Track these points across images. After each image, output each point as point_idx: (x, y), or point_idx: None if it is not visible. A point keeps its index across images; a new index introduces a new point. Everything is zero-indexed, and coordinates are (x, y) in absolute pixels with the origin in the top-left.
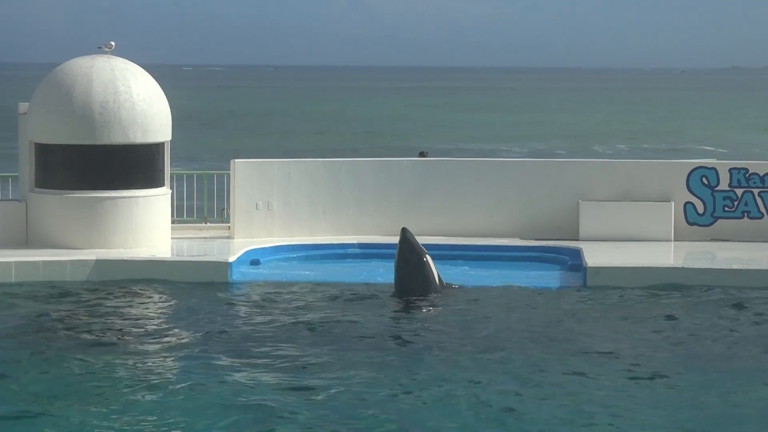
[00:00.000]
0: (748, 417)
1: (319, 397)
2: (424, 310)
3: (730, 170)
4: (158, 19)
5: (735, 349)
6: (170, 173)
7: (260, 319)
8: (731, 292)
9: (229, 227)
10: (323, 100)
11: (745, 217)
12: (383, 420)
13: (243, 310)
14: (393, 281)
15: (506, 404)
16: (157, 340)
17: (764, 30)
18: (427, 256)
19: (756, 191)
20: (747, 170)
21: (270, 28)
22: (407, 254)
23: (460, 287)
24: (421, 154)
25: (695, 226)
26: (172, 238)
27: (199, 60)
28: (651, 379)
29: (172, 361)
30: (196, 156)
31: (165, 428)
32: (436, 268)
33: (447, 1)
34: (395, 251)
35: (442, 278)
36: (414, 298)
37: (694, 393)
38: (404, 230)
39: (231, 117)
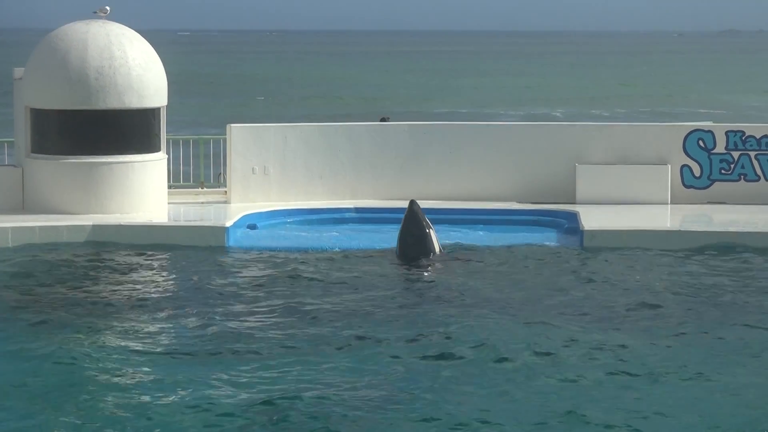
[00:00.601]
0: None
1: (323, 365)
2: (424, 275)
3: (726, 133)
4: None
5: (733, 311)
6: (166, 138)
7: (257, 283)
8: (728, 254)
9: (226, 192)
10: (321, 65)
11: (742, 180)
12: (388, 385)
13: (240, 275)
14: (393, 247)
15: (510, 365)
16: (154, 305)
17: None
18: (431, 229)
19: (752, 154)
20: (743, 133)
21: None
22: (412, 227)
23: (459, 253)
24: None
25: (692, 189)
26: (168, 203)
27: (195, 25)
28: (645, 342)
29: (168, 327)
30: (194, 121)
31: (161, 396)
32: (438, 240)
33: None
34: (400, 220)
35: (443, 249)
36: (413, 264)
37: (693, 353)
38: (412, 203)
39: (227, 84)
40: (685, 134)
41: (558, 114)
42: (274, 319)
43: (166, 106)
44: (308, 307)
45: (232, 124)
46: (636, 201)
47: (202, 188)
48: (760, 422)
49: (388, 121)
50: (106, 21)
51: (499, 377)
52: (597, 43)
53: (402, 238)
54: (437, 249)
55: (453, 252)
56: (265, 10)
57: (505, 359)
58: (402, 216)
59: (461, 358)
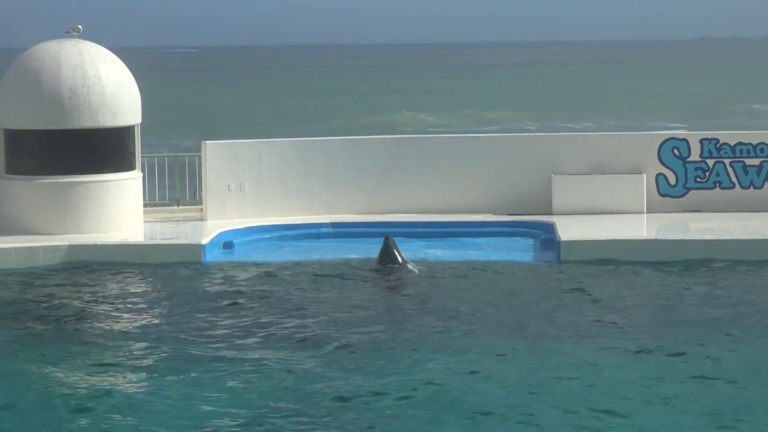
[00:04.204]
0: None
1: (299, 378)
2: (402, 289)
3: (701, 141)
4: (123, 1)
5: (709, 319)
6: (141, 156)
7: (234, 300)
8: (704, 262)
9: (202, 209)
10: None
11: (717, 188)
12: (365, 398)
13: (217, 292)
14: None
15: (481, 378)
16: (132, 323)
17: (731, 0)
18: (408, 263)
19: (727, 161)
20: (718, 140)
21: (237, 8)
22: (389, 262)
23: (435, 266)
24: None
25: (667, 198)
26: (144, 222)
27: (168, 42)
28: (625, 350)
29: (146, 346)
30: (166, 141)
31: (138, 414)
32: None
33: None
34: (376, 234)
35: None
36: (390, 275)
37: (669, 361)
38: (387, 238)
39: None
40: (659, 143)
41: (531, 126)
42: (252, 335)
43: (140, 123)
44: (287, 322)
45: (207, 141)
46: (612, 210)
47: (177, 206)
48: None
49: None
50: (79, 40)
51: (479, 398)
52: (571, 53)
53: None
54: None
55: (431, 267)
56: (233, 26)
57: (486, 378)
58: (379, 230)
59: (436, 372)
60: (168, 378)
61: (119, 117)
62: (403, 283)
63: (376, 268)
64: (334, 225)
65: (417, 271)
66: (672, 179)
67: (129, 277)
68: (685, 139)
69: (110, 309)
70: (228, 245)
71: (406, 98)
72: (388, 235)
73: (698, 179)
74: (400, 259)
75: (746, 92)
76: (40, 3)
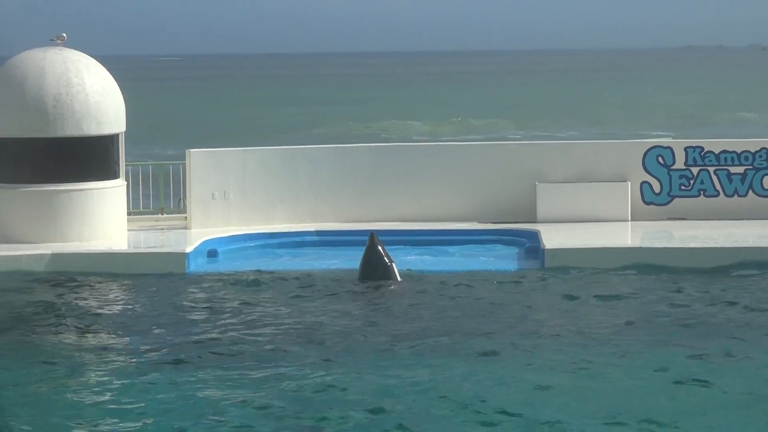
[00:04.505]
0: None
1: (284, 389)
2: (385, 298)
3: (685, 149)
4: (112, 8)
5: (692, 327)
6: (125, 165)
7: (218, 308)
8: (689, 270)
9: (186, 217)
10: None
11: (702, 196)
12: (352, 410)
13: (201, 300)
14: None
15: (470, 390)
16: (115, 332)
17: (716, 9)
18: (393, 262)
19: (711, 169)
20: (702, 148)
21: (222, 16)
22: (375, 260)
23: (420, 275)
24: None
25: (652, 206)
26: (128, 230)
27: (156, 50)
28: (609, 358)
29: (129, 354)
30: (150, 150)
31: (117, 423)
32: (398, 270)
33: None
34: (361, 242)
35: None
36: (374, 286)
37: (654, 367)
38: (372, 235)
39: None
40: (644, 151)
41: (516, 135)
42: (235, 344)
43: (124, 132)
44: (270, 331)
45: (191, 150)
46: (597, 218)
47: (162, 214)
48: None
49: None
50: (63, 48)
51: (464, 412)
52: (554, 62)
53: (363, 272)
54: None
55: (416, 276)
56: (224, 34)
57: (477, 390)
58: (363, 239)
59: (417, 383)
60: (151, 386)
61: (103, 125)
62: (387, 292)
63: (361, 272)
64: (318, 233)
65: (400, 278)
66: (656, 187)
67: (113, 286)
68: (669, 147)
69: (93, 317)
70: (212, 254)
71: (393, 107)
72: (373, 232)
73: (683, 187)
74: (386, 258)
75: (732, 101)
76: (24, 11)
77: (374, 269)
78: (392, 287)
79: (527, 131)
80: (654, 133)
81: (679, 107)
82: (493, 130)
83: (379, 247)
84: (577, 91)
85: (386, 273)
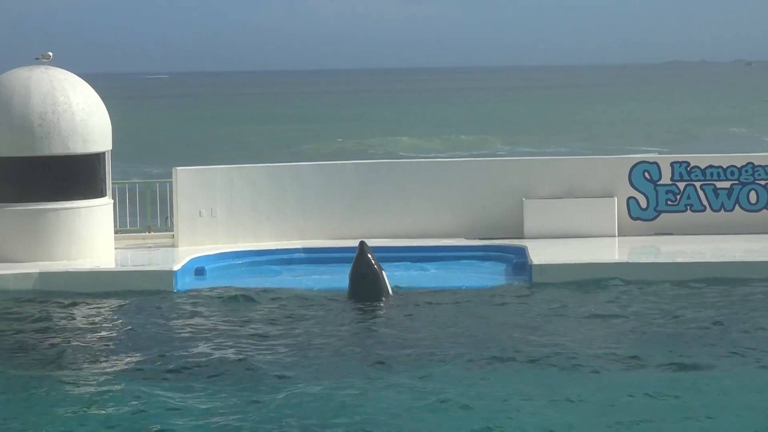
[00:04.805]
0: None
1: (271, 406)
2: (375, 315)
3: (671, 164)
4: (96, 27)
5: (683, 341)
6: (112, 183)
7: (206, 326)
8: (677, 285)
9: (173, 235)
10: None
11: (688, 211)
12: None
13: (189, 318)
14: (344, 288)
15: (461, 403)
16: (102, 352)
17: (701, 25)
18: (383, 270)
19: (698, 184)
20: (688, 163)
21: (211, 33)
22: (365, 269)
23: (408, 292)
24: None
25: (639, 221)
26: (115, 248)
27: (139, 68)
28: (596, 373)
29: (116, 372)
30: (137, 168)
31: None
32: (388, 279)
33: (385, 3)
34: (348, 259)
35: (395, 290)
36: (363, 304)
37: (637, 382)
38: (362, 244)
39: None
40: (630, 166)
41: (502, 152)
42: (223, 361)
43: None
44: (257, 349)
45: (178, 168)
46: (583, 234)
47: (149, 232)
48: None
49: None
50: (49, 66)
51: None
52: (541, 78)
53: (353, 279)
54: (389, 290)
55: (405, 293)
56: (206, 52)
57: (466, 406)
58: (351, 255)
59: (416, 396)
60: (138, 404)
61: (90, 144)
62: (374, 308)
63: (351, 281)
64: (306, 250)
65: (390, 288)
66: (643, 202)
67: (100, 304)
68: (655, 163)
69: (81, 336)
70: (200, 271)
71: (382, 123)
72: (363, 241)
73: (669, 202)
74: (376, 267)
75: (717, 116)
76: (9, 29)
77: (363, 277)
78: (381, 310)
79: (514, 147)
80: (641, 149)
81: (667, 122)
82: (482, 147)
83: (369, 255)
84: (564, 107)
85: (376, 282)
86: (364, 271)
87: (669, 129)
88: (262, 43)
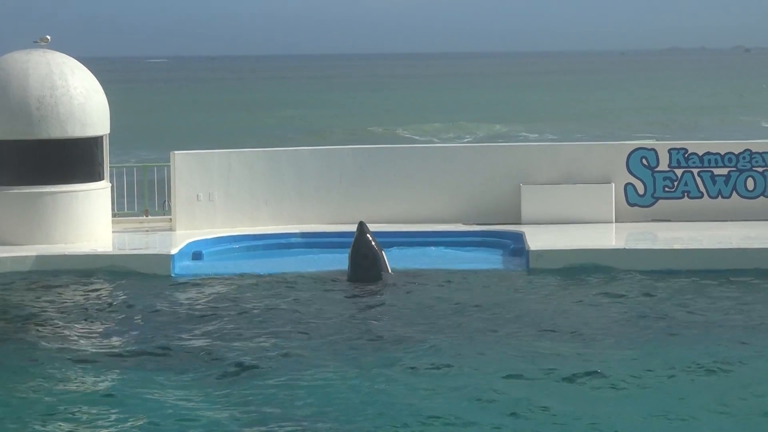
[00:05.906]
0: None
1: (270, 390)
2: (374, 299)
3: (669, 151)
4: (95, 10)
5: (678, 328)
6: (109, 166)
7: (203, 310)
8: (673, 272)
9: (171, 219)
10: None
11: (686, 197)
12: (344, 410)
13: (186, 302)
14: (345, 270)
15: (456, 384)
16: (98, 334)
17: (700, 11)
18: (382, 251)
19: (695, 171)
20: (686, 150)
21: (211, 17)
22: (365, 249)
23: (407, 274)
24: None
25: (636, 207)
26: (113, 232)
27: (138, 52)
28: (591, 359)
29: (113, 356)
30: (134, 152)
31: (101, 423)
32: (387, 259)
33: None
34: (346, 244)
35: (389, 268)
36: (363, 286)
37: (636, 369)
38: (362, 224)
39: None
40: (628, 153)
41: (500, 138)
42: (219, 345)
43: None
44: (254, 333)
45: (176, 152)
46: (581, 220)
47: (146, 216)
48: None
49: None
50: (47, 50)
51: (456, 401)
52: (540, 63)
53: (353, 260)
54: (389, 271)
55: (403, 274)
56: (202, 36)
57: (463, 384)
58: (349, 240)
59: (417, 376)
60: (134, 388)
61: (88, 127)
62: (372, 292)
63: (351, 261)
64: (303, 235)
65: (390, 271)
66: (641, 189)
67: (97, 287)
68: (653, 149)
69: (78, 319)
70: (197, 255)
71: (381, 109)
72: (362, 221)
73: (667, 189)
74: (375, 247)
75: (717, 102)
76: (7, 13)
77: (364, 258)
78: (381, 291)
79: (513, 133)
80: (638, 135)
81: (668, 109)
82: (481, 132)
83: (369, 236)
84: (562, 94)
85: (375, 261)
86: (364, 252)
87: (667, 116)
88: (261, 27)
